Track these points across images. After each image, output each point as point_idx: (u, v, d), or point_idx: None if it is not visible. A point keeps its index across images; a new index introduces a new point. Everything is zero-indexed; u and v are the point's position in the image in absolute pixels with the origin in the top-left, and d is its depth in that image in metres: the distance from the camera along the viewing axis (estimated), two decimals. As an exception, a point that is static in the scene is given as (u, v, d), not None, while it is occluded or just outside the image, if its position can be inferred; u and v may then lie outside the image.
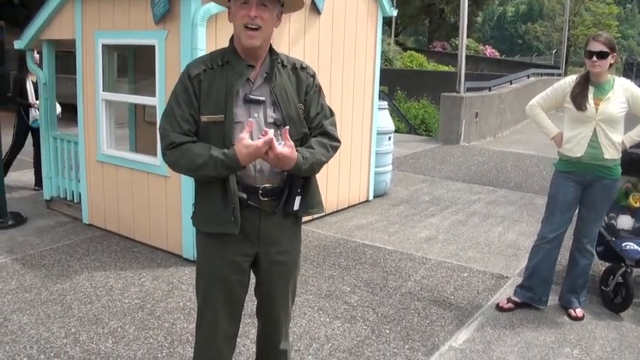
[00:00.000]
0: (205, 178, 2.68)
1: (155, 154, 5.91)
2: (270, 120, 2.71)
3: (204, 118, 2.67)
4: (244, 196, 2.71)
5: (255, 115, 2.70)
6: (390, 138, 8.78)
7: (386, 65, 28.24)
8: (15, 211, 7.05)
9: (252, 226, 2.77)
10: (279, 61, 2.79)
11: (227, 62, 2.72)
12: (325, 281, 5.39)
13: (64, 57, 8.63)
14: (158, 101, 5.74)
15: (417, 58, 35.04)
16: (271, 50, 2.79)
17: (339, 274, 5.58)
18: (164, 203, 5.91)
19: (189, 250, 5.73)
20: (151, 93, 5.92)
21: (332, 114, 2.94)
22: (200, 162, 2.59)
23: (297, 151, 2.63)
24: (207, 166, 2.58)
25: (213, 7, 5.34)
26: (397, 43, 39.09)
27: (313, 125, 2.84)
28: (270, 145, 2.50)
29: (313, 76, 2.90)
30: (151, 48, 5.76)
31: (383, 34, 8.32)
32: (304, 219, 3.17)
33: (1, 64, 6.79)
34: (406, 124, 18.59)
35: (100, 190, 6.61)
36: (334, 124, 2.92)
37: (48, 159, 7.49)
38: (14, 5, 24.43)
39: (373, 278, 5.53)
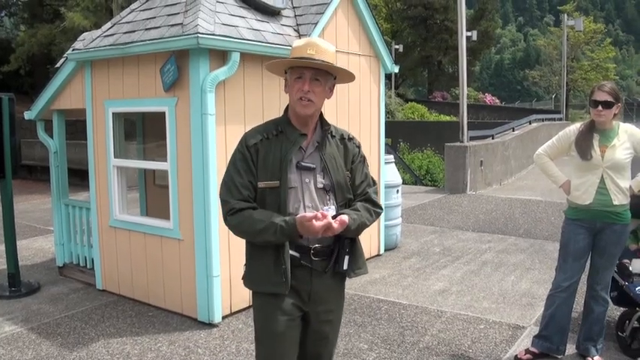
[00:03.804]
0: (264, 243, 2.83)
1: (168, 218, 5.97)
2: (320, 185, 2.92)
3: (261, 184, 2.87)
4: (297, 255, 2.87)
5: (307, 180, 2.90)
6: (397, 191, 8.85)
7: (388, 117, 28.49)
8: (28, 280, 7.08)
9: (304, 285, 2.93)
10: (329, 131, 3.01)
11: (281, 132, 2.94)
12: (342, 339, 5.37)
13: (71, 123, 8.77)
14: (170, 166, 5.83)
15: (419, 109, 35.41)
16: (322, 120, 3.02)
17: (355, 331, 5.57)
18: (178, 267, 5.94)
19: (204, 313, 5.73)
20: (162, 157, 6.01)
21: (374, 183, 3.14)
22: (261, 227, 2.77)
23: (345, 213, 2.83)
24: (268, 231, 2.75)
25: (222, 74, 5.49)
26: (398, 95, 39.56)
27: (358, 192, 3.03)
28: (328, 226, 2.70)
29: (359, 146, 3.12)
30: (161, 114, 5.88)
31: (384, 87, 8.47)
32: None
33: (12, 135, 6.90)
34: (411, 175, 18.69)
35: (113, 255, 6.65)
36: (377, 193, 3.13)
37: (60, 226, 7.55)
38: (21, 75, 24.90)
39: (390, 334, 5.51)
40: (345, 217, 2.77)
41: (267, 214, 2.80)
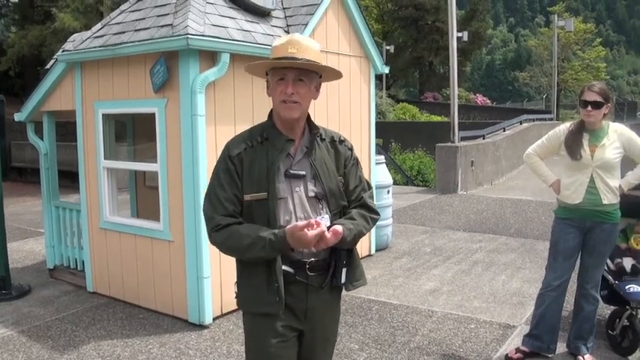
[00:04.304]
0: (254, 259, 2.64)
1: (158, 219, 5.96)
2: (312, 194, 2.72)
3: (247, 197, 2.66)
4: (291, 270, 2.68)
5: (297, 189, 2.71)
6: (388, 191, 8.85)
7: (379, 118, 28.50)
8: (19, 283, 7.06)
9: (299, 303, 2.74)
10: (318, 134, 2.81)
11: (266, 139, 2.73)
12: (333, 339, 5.38)
13: (62, 125, 8.75)
14: (160, 167, 5.83)
15: (410, 110, 35.41)
16: (310, 123, 2.82)
17: (346, 332, 5.57)
18: (168, 268, 5.93)
19: (195, 315, 5.73)
20: (152, 159, 6.00)
21: (370, 187, 2.95)
22: (248, 242, 2.57)
23: (340, 223, 2.65)
24: (256, 246, 2.56)
25: (211, 75, 5.48)
26: (389, 95, 39.59)
27: (352, 198, 2.85)
28: (321, 236, 2.51)
29: (351, 149, 2.92)
30: (151, 115, 5.87)
31: (375, 87, 8.48)
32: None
33: (2, 137, 6.89)
34: (403, 176, 18.70)
35: (103, 257, 6.63)
36: (372, 197, 2.94)
37: (50, 228, 7.52)
38: (10, 77, 24.81)
39: (381, 334, 5.52)
40: (339, 228, 2.57)
41: (255, 228, 2.60)
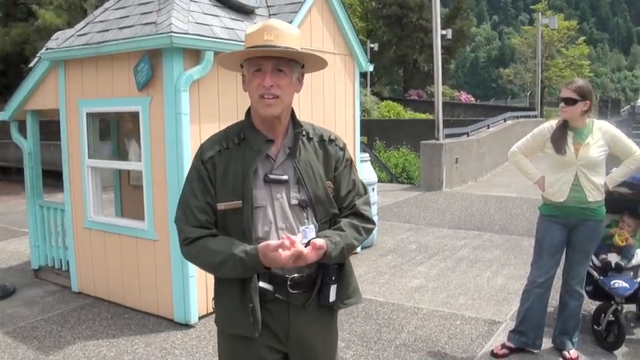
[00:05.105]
0: (228, 277, 2.38)
1: (142, 219, 5.93)
2: (295, 202, 2.41)
3: (220, 206, 2.37)
4: (270, 287, 2.38)
5: (278, 196, 2.40)
6: (373, 189, 8.87)
7: (364, 116, 28.49)
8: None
9: (280, 324, 2.44)
10: (303, 133, 2.49)
11: (244, 139, 2.43)
12: (319, 337, 5.37)
13: (46, 124, 8.69)
14: (144, 166, 5.80)
15: (394, 107, 35.43)
16: (295, 121, 2.50)
17: (333, 329, 5.56)
18: (153, 268, 5.90)
19: (181, 314, 5.71)
20: (137, 157, 5.97)
21: (365, 191, 2.62)
22: (219, 260, 2.29)
23: (325, 235, 2.35)
24: (226, 265, 2.28)
25: (196, 73, 5.47)
26: (374, 93, 39.59)
27: (344, 205, 2.53)
28: (298, 255, 2.21)
29: (343, 148, 2.58)
30: (135, 113, 5.84)
31: (359, 85, 8.49)
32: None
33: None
34: (387, 173, 18.74)
35: (88, 256, 6.59)
36: (368, 203, 2.60)
37: (35, 228, 7.47)
38: (-6, 75, 24.57)
39: (367, 332, 5.53)
40: (320, 241, 2.26)
41: (227, 242, 2.30)
